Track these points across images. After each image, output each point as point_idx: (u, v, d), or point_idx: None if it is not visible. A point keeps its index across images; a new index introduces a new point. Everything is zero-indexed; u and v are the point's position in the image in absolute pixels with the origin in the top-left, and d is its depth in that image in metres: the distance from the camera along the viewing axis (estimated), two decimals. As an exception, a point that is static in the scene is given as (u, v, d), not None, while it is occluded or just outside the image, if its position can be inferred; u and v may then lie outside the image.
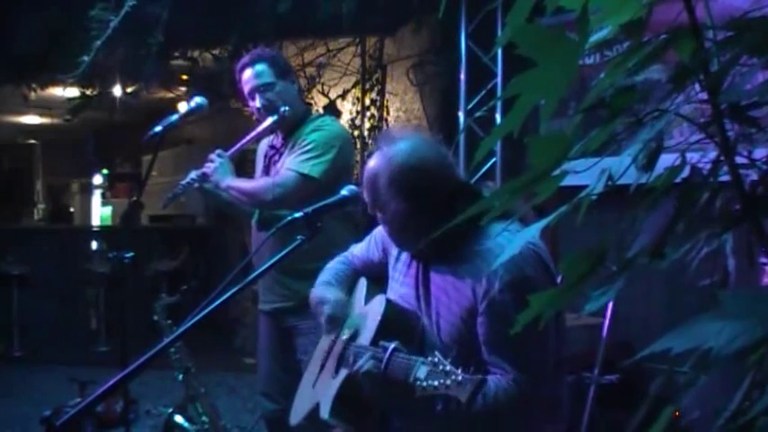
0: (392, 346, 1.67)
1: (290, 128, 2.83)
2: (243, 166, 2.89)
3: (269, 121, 2.77)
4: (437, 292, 1.79)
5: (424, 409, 1.58)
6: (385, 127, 5.86)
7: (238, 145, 2.87)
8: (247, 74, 2.80)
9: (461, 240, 1.73)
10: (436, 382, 1.47)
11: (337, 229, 2.52)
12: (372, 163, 1.84)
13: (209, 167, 2.78)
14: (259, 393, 3.00)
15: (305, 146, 2.72)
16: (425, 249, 1.79)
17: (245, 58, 2.85)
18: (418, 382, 1.51)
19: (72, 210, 12.45)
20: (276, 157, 2.87)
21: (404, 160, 1.76)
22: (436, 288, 1.79)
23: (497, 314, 1.62)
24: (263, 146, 3.02)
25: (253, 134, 2.85)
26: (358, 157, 5.55)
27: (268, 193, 2.67)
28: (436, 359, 1.51)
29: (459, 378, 1.45)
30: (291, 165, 2.70)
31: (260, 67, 2.78)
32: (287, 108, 2.76)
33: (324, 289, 2.08)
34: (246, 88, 2.82)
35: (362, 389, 1.72)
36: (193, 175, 2.79)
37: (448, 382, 1.46)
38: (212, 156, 2.80)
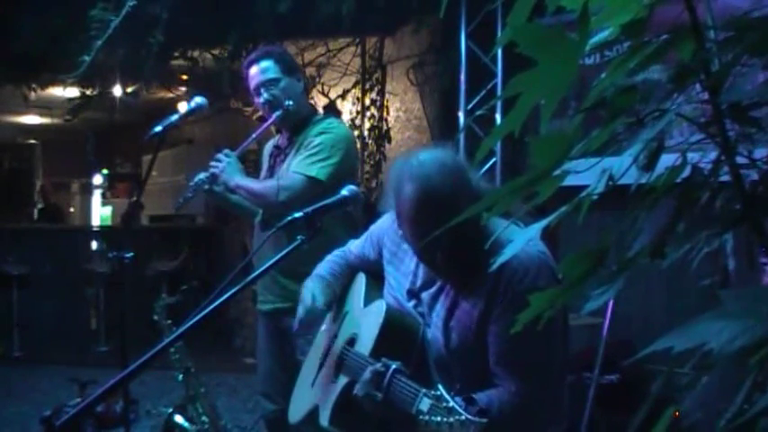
0: (393, 366, 1.64)
1: (295, 127, 2.83)
2: (243, 166, 2.88)
3: (274, 116, 2.78)
4: (446, 300, 1.76)
5: None
6: (385, 127, 5.86)
7: (245, 143, 2.89)
8: (254, 69, 2.81)
9: (467, 246, 1.70)
10: (438, 419, 1.44)
11: (337, 232, 2.52)
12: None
13: (217, 167, 2.78)
14: (258, 394, 3.00)
15: (311, 148, 2.72)
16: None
17: (252, 54, 2.87)
18: (420, 416, 1.48)
19: (71, 209, 12.44)
20: (281, 158, 2.88)
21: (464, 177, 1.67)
22: (444, 297, 1.77)
23: (506, 326, 1.61)
24: (268, 146, 3.03)
25: (259, 131, 2.88)
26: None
27: (275, 196, 2.67)
28: (439, 393, 1.47)
29: (463, 418, 1.40)
30: (298, 167, 2.70)
31: (266, 63, 2.79)
32: (291, 103, 2.76)
33: (311, 286, 2.06)
34: (252, 84, 2.82)
35: (361, 405, 1.71)
36: (202, 176, 2.79)
37: (451, 420, 1.42)
38: (220, 155, 2.80)
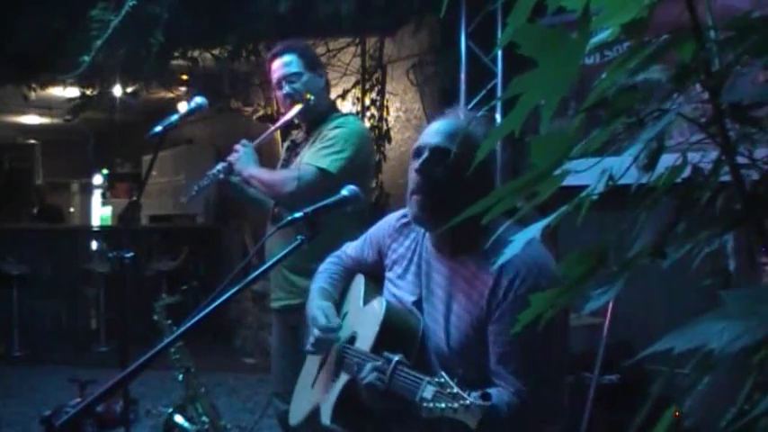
0: (396, 359, 1.64)
1: (314, 122, 2.86)
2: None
3: (295, 109, 2.81)
4: (445, 297, 1.77)
5: (428, 427, 1.55)
6: (385, 127, 5.86)
7: (264, 135, 2.94)
8: (276, 63, 2.86)
9: (469, 240, 1.71)
10: (443, 405, 1.44)
11: (345, 229, 2.52)
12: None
13: (233, 156, 2.80)
14: (272, 394, 2.97)
15: (325, 141, 2.75)
16: (436, 241, 1.79)
17: (276, 48, 2.91)
18: (425, 403, 1.48)
19: (71, 209, 12.43)
20: (297, 151, 2.90)
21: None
22: (443, 293, 1.78)
23: (508, 326, 1.61)
24: (287, 141, 3.07)
25: (279, 123, 2.94)
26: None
27: (286, 186, 2.69)
28: (443, 380, 1.48)
29: (468, 403, 1.41)
30: (310, 159, 2.73)
31: (289, 57, 2.84)
32: (312, 98, 2.80)
33: (317, 304, 2.03)
34: (275, 77, 2.87)
35: (363, 398, 1.71)
36: (219, 166, 2.81)
37: (455, 405, 1.42)
38: (237, 146, 2.83)
